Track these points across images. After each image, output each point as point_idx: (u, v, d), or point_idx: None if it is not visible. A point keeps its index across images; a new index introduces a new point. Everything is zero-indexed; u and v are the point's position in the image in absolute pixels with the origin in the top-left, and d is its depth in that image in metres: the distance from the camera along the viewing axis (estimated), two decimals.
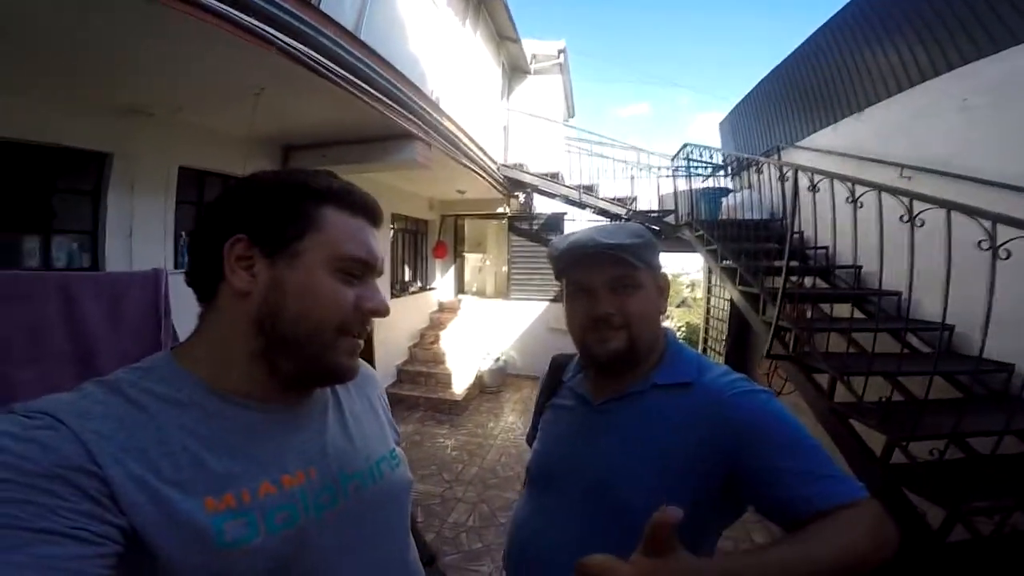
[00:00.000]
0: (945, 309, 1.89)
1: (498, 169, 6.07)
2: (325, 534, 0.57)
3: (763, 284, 3.22)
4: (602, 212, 6.41)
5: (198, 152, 3.28)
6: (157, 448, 0.49)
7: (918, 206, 2.03)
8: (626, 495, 0.76)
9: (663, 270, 0.90)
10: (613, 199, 6.42)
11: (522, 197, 7.37)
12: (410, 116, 3.41)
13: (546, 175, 6.51)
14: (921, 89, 3.43)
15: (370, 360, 4.74)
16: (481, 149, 5.11)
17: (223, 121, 3.22)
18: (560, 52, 8.07)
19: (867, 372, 2.25)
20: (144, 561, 0.46)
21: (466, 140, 4.57)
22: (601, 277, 0.84)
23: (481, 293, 8.18)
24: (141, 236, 2.94)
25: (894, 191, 2.14)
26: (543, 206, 7.70)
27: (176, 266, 3.00)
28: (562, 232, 7.01)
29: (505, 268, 7.77)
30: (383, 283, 5.79)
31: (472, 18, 5.78)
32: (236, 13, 1.96)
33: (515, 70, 8.03)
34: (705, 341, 7.36)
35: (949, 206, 1.91)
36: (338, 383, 0.65)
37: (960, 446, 2.21)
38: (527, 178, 6.37)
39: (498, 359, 6.76)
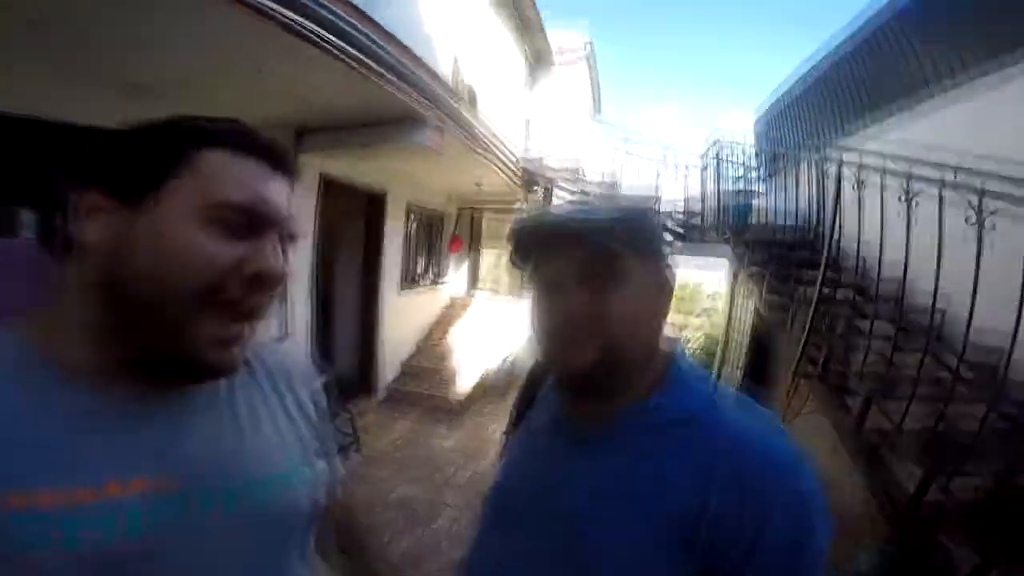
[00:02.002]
0: (1016, 334, 1.62)
1: (517, 162, 5.86)
2: (158, 556, 0.45)
3: (794, 294, 2.97)
4: None
5: None
6: None
7: (990, 205, 1.75)
8: (600, 556, 0.58)
9: (668, 264, 0.66)
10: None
11: (541, 192, 7.14)
12: (420, 98, 3.23)
13: (566, 170, 6.28)
14: (990, 81, 3.08)
15: (370, 353, 4.61)
16: (498, 139, 4.91)
17: (232, 100, 3.06)
18: (587, 44, 7.84)
19: (908, 397, 1.98)
20: None
21: (482, 128, 4.38)
22: (567, 265, 0.61)
23: (495, 290, 7.99)
24: None
25: (960, 185, 1.87)
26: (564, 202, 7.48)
27: None
28: None
29: None
30: (392, 271, 5.63)
31: (495, 2, 5.58)
32: None
33: (540, 62, 7.80)
34: (724, 354, 7.04)
35: None
36: (202, 380, 0.50)
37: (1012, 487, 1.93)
38: (546, 172, 6.15)
39: (506, 359, 6.55)
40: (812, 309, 2.56)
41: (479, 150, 4.44)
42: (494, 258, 8.37)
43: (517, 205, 7.06)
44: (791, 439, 0.59)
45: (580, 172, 6.44)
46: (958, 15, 3.39)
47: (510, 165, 5.54)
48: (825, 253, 2.56)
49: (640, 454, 0.60)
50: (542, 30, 6.89)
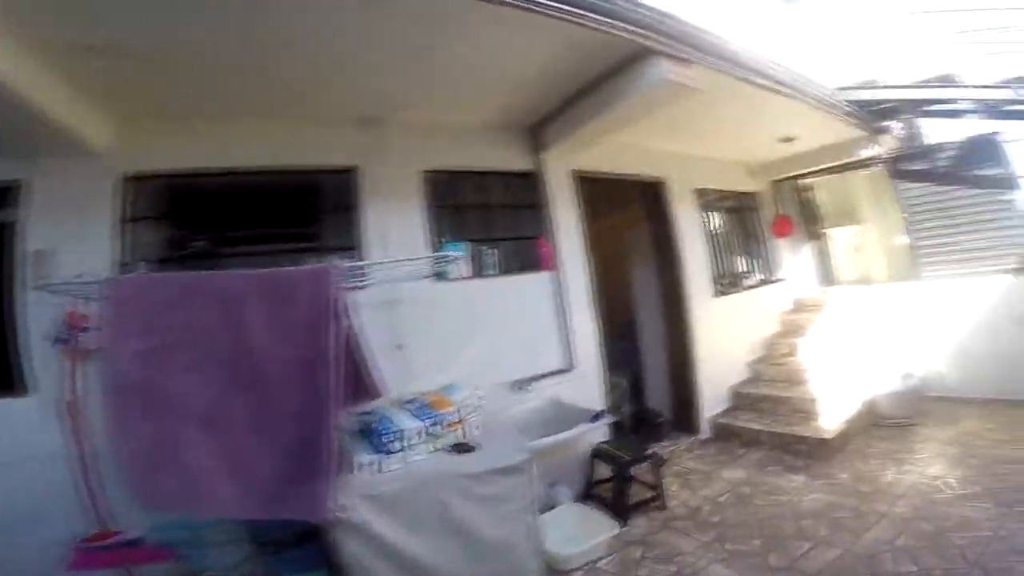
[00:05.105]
0: None
1: (833, 94, 4.28)
2: None
3: None
4: None
5: (439, 152, 3.33)
6: None
7: None
8: None
9: None
10: None
11: (897, 129, 4.98)
12: (636, 28, 2.61)
13: (927, 82, 4.22)
14: None
15: (684, 380, 4.33)
16: (789, 68, 3.68)
17: (452, 110, 3.17)
18: None
19: None
20: None
21: (753, 55, 3.31)
22: None
23: (864, 279, 5.85)
24: (398, 246, 2.96)
25: None
26: (944, 134, 4.95)
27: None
28: (998, 161, 4.33)
29: (902, 237, 5.33)
30: (697, 275, 4.77)
31: None
32: None
33: None
34: None
35: None
36: None
37: None
38: (886, 93, 4.27)
39: (908, 375, 4.55)
40: None
41: (763, 82, 3.35)
42: (850, 237, 6.20)
43: (864, 153, 5.14)
44: None
45: (952, 80, 4.23)
46: None
47: (821, 98, 4.07)
48: None
49: None
50: None
